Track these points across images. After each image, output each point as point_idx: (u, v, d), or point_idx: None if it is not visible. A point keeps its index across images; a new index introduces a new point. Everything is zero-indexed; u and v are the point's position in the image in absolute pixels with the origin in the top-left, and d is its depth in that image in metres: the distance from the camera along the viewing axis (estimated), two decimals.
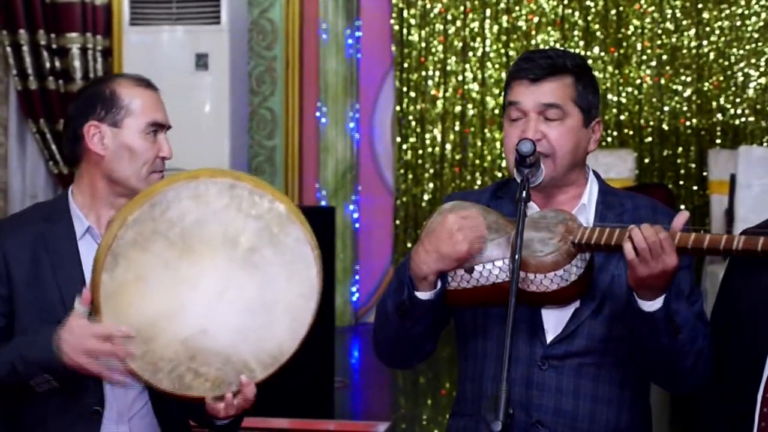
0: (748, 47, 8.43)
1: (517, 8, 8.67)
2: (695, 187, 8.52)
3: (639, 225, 2.19)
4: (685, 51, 8.53)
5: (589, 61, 8.37)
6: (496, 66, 8.69)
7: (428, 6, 8.78)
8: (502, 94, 2.54)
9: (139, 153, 2.52)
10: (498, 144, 8.56)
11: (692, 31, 8.50)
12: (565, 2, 8.62)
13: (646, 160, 8.57)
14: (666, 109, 8.56)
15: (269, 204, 2.29)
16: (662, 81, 8.56)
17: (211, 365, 2.31)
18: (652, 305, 2.24)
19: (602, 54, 8.61)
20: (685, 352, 2.31)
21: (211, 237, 2.28)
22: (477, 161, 8.78)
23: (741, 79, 8.45)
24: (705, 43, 8.49)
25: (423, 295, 2.35)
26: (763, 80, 8.42)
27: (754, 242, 2.13)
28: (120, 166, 2.52)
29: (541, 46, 8.47)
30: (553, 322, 2.40)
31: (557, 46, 8.48)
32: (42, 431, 2.49)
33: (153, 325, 2.26)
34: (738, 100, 8.45)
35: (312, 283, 2.32)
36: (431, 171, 8.85)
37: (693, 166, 8.53)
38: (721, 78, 8.47)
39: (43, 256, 2.49)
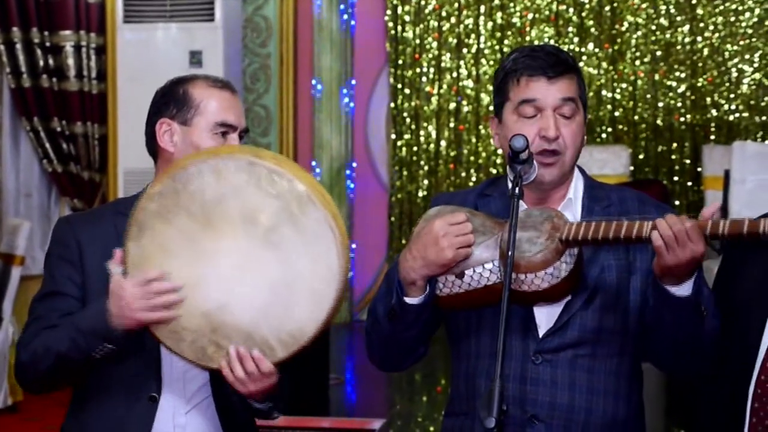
0: (742, 43, 8.44)
1: (511, 5, 8.68)
2: (690, 183, 8.53)
3: (664, 216, 2.20)
4: (679, 47, 8.54)
5: (584, 58, 8.42)
6: (491, 62, 8.69)
7: (422, 3, 8.78)
8: (496, 91, 2.51)
9: None
10: (492, 141, 8.56)
11: (686, 27, 8.51)
12: None
13: (641, 156, 8.58)
14: (660, 105, 8.57)
15: (288, 184, 2.29)
16: (656, 77, 8.57)
17: (232, 339, 2.33)
18: (682, 290, 2.25)
19: (596, 50, 8.61)
20: (711, 335, 2.33)
21: (231, 213, 2.30)
22: (472, 158, 8.79)
23: (735, 74, 8.46)
24: (699, 39, 8.50)
25: (412, 300, 2.36)
26: (757, 76, 8.44)
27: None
28: None
29: (536, 43, 8.47)
30: (545, 316, 2.40)
31: (551, 42, 8.48)
32: (102, 415, 2.55)
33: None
34: (732, 95, 8.46)
35: (332, 266, 2.31)
36: (426, 168, 8.85)
37: (687, 161, 8.55)
38: (716, 74, 8.49)
39: (115, 246, 2.52)
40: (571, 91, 2.43)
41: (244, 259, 2.31)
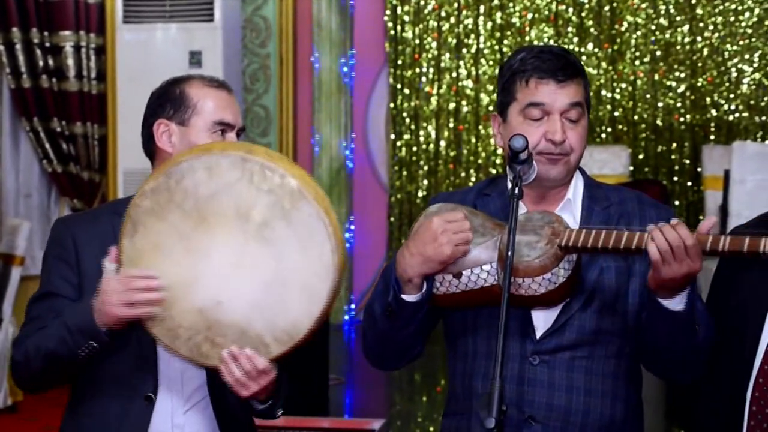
0: (741, 43, 8.44)
1: (510, 4, 8.68)
2: (689, 183, 8.53)
3: (659, 225, 2.18)
4: (678, 47, 8.54)
5: (583, 58, 8.42)
6: (490, 62, 8.69)
7: (422, 3, 8.78)
8: (502, 89, 2.49)
9: None
10: (492, 140, 8.56)
11: (686, 27, 8.51)
12: None
13: (641, 156, 8.58)
14: (660, 105, 8.57)
15: (280, 179, 2.28)
16: (656, 77, 8.57)
17: (227, 336, 2.33)
18: (675, 304, 2.25)
19: (596, 50, 8.61)
20: (704, 348, 2.33)
21: (224, 209, 2.30)
22: (471, 158, 8.79)
23: (735, 74, 8.46)
24: (699, 39, 8.50)
25: (409, 297, 2.36)
26: (756, 76, 8.43)
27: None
28: None
29: (535, 43, 8.47)
30: (543, 317, 2.40)
31: (551, 42, 8.48)
32: (98, 415, 2.54)
33: (170, 293, 2.32)
34: (732, 95, 8.46)
35: (326, 260, 2.30)
36: (425, 168, 8.85)
37: (687, 161, 8.55)
38: (715, 74, 8.49)
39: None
40: (579, 96, 2.42)
41: (237, 256, 2.30)
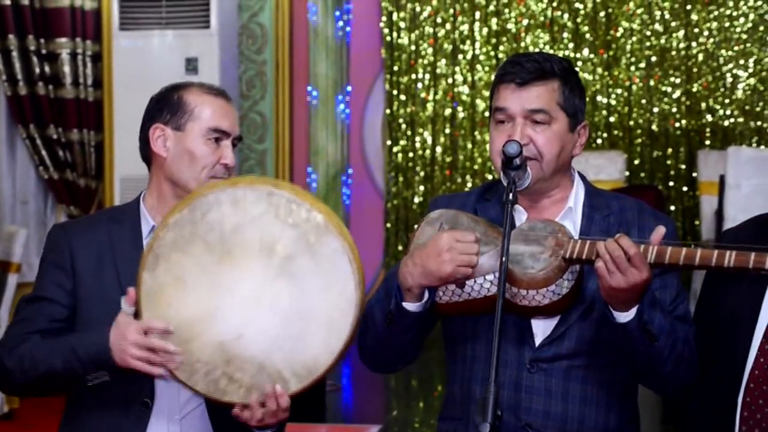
0: (736, 48, 8.46)
1: (506, 11, 8.70)
2: (685, 188, 8.54)
3: (606, 240, 2.20)
4: (674, 52, 8.56)
5: (579, 63, 8.43)
6: (486, 68, 8.70)
7: (418, 9, 8.80)
8: (489, 97, 2.54)
9: (198, 157, 2.56)
10: (488, 146, 8.57)
11: (681, 33, 8.53)
12: (555, 4, 8.64)
13: (636, 162, 8.59)
14: (655, 110, 8.59)
15: (306, 213, 2.30)
16: (651, 82, 8.59)
17: (246, 372, 2.33)
18: (624, 316, 2.26)
19: (591, 56, 8.63)
20: (664, 359, 2.32)
21: (249, 243, 2.30)
22: (467, 164, 8.80)
23: (730, 80, 8.48)
24: (694, 44, 8.52)
25: (410, 306, 2.36)
26: (751, 81, 8.46)
27: (725, 258, 2.13)
28: (180, 169, 2.56)
29: (531, 49, 8.49)
30: (542, 325, 2.41)
31: (546, 48, 8.50)
32: (94, 419, 2.54)
33: (190, 327, 2.32)
34: (727, 101, 8.48)
35: (350, 296, 2.32)
36: (422, 174, 8.86)
37: (683, 167, 8.56)
38: (710, 79, 8.51)
39: (108, 254, 2.55)
40: (543, 101, 2.41)
41: (260, 290, 2.31)
